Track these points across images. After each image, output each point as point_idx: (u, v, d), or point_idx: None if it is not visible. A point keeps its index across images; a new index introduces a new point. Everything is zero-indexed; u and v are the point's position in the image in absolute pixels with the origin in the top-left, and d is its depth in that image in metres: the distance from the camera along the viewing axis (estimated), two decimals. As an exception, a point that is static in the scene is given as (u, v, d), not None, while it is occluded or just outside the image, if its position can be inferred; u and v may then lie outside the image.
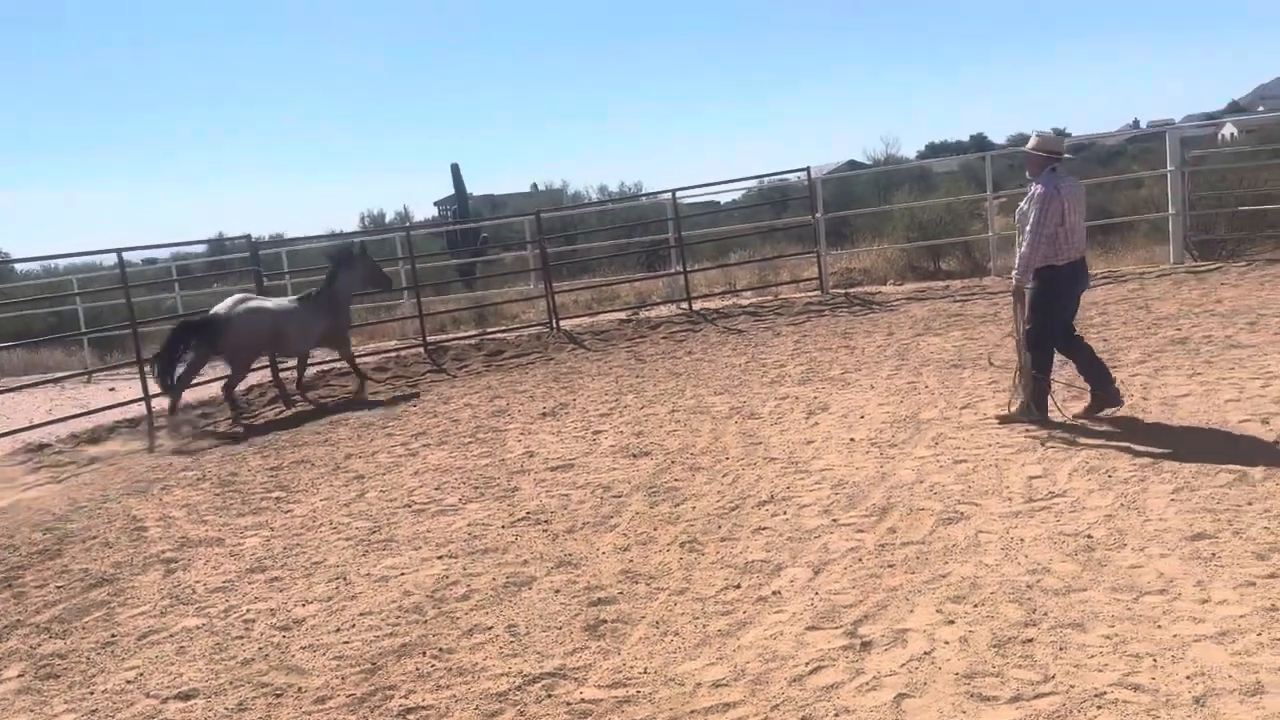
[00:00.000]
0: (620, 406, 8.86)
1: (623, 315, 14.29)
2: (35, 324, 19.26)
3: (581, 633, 4.31)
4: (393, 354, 13.17)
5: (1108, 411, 6.47)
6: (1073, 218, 6.27)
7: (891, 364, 9.10)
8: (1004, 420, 6.64)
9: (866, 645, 3.86)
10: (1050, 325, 6.44)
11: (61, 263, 20.17)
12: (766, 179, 19.66)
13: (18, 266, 30.43)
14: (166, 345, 10.02)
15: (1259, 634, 3.55)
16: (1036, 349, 6.47)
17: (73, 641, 4.94)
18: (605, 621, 4.39)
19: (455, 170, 27.21)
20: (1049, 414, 6.50)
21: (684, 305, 14.14)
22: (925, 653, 3.74)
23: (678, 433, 7.62)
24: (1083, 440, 6.07)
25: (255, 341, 10.43)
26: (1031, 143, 6.51)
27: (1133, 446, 5.82)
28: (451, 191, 28.20)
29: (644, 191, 27.96)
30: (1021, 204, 6.47)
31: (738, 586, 4.60)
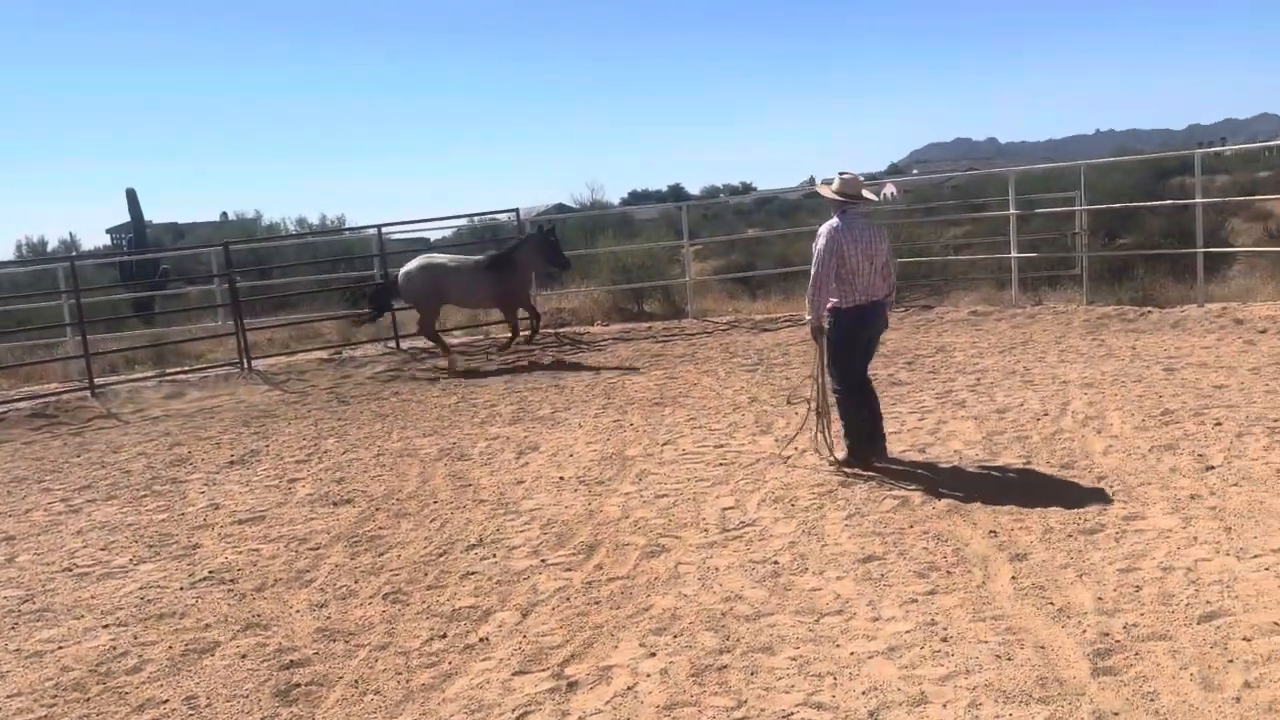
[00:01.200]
0: (320, 452, 8.44)
1: (324, 354, 13.67)
2: None
3: (271, 699, 4.03)
4: (52, 398, 11.78)
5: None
6: (857, 259, 6.19)
7: (599, 403, 9.33)
8: (784, 451, 6.85)
9: (573, 685, 3.89)
10: (845, 367, 6.40)
11: None
12: (477, 217, 19.67)
13: None
14: (371, 302, 13.06)
15: (921, 648, 3.94)
16: (838, 390, 6.45)
17: None
18: (298, 685, 4.13)
19: (131, 195, 24.96)
20: (849, 455, 6.40)
21: (391, 343, 13.76)
22: (629, 688, 3.82)
23: (383, 477, 7.37)
24: (770, 473, 6.50)
25: (425, 291, 12.29)
26: (829, 186, 6.44)
27: (812, 476, 6.31)
28: (127, 218, 25.85)
29: (347, 225, 27.03)
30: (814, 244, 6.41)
31: (444, 636, 4.49)
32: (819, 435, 6.60)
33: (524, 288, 12.64)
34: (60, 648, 4.73)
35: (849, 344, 6.39)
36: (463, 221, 20.91)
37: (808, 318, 6.49)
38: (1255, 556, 4.50)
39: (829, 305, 6.32)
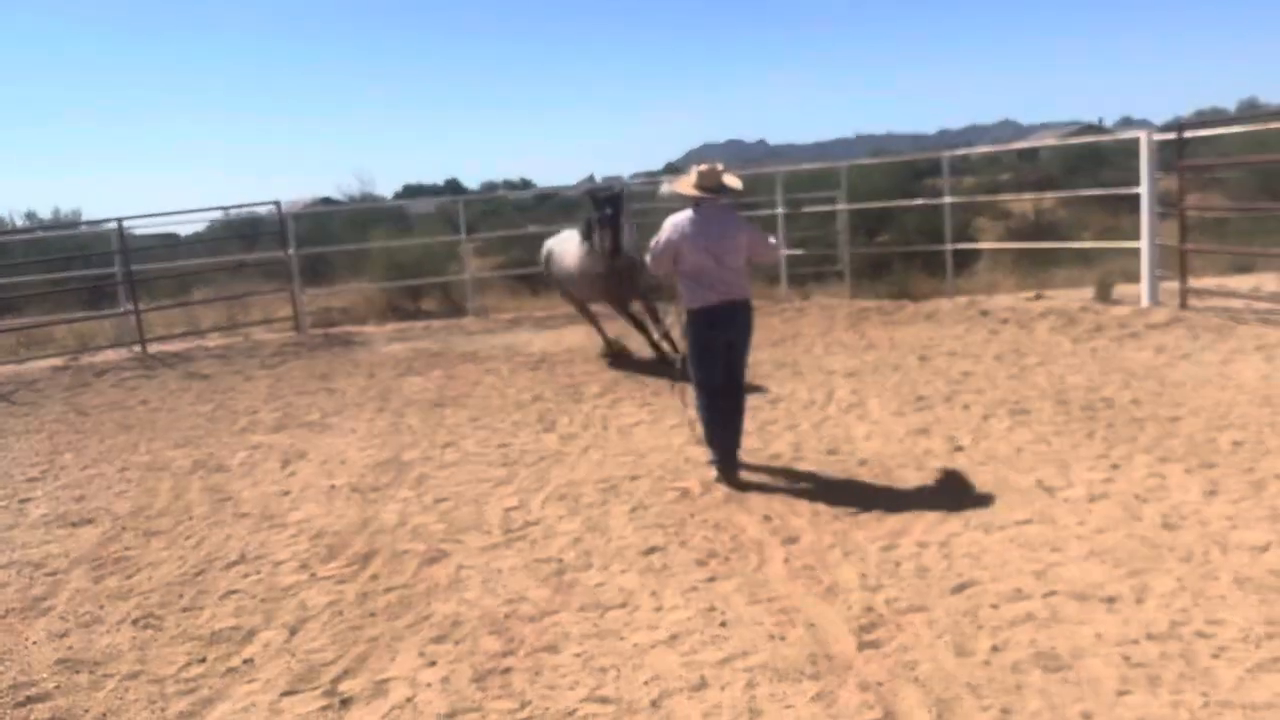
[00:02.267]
0: (56, 468, 7.75)
1: (59, 361, 12.54)
2: None
3: (2, 744, 3.67)
4: None
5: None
6: (699, 257, 5.83)
7: (374, 405, 9.07)
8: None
9: (346, 702, 3.78)
10: (699, 369, 6.04)
11: None
12: (233, 210, 18.64)
13: None
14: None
15: (701, 633, 4.09)
16: (693, 386, 6.16)
17: None
18: (40, 718, 3.78)
19: None
20: (712, 458, 6.09)
21: (137, 348, 12.81)
22: (407, 699, 3.75)
23: (129, 494, 6.86)
24: (555, 472, 6.54)
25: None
26: (686, 181, 6.03)
27: (596, 472, 6.41)
28: None
29: (84, 219, 24.91)
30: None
31: (203, 660, 4.24)
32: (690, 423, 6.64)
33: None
34: None
35: (700, 346, 5.99)
36: (216, 215, 19.74)
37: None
38: (1000, 529, 4.96)
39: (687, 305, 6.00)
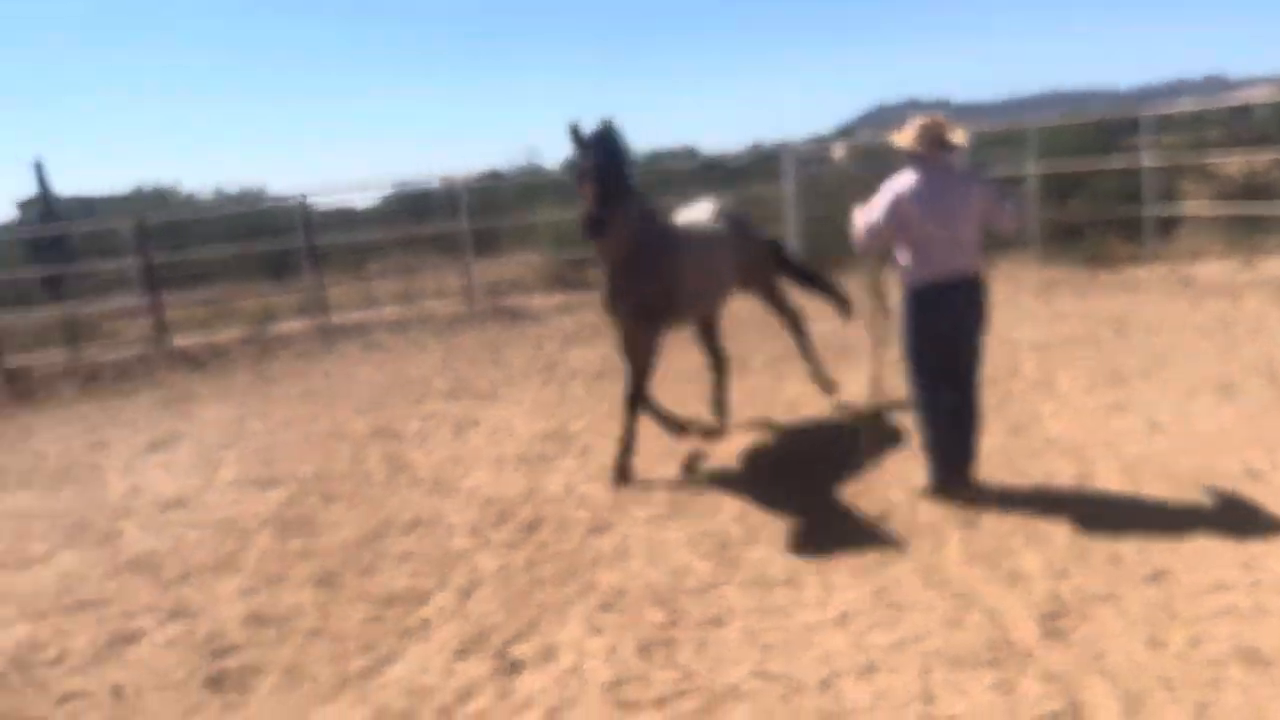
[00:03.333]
0: (244, 433, 8.34)
1: (247, 331, 13.46)
2: None
3: (201, 688, 4.00)
4: (-45, 382, 11.45)
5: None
6: (927, 225, 4.96)
7: (540, 377, 9.33)
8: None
9: (516, 666, 3.93)
10: (919, 362, 5.20)
11: None
12: (408, 186, 19.43)
13: None
14: None
15: (871, 615, 4.04)
16: (909, 379, 5.31)
17: None
18: (229, 673, 4.11)
19: (39, 168, 24.27)
20: (930, 481, 5.28)
21: (319, 320, 13.59)
22: (574, 666, 3.87)
23: (312, 459, 7.31)
24: (719, 446, 6.56)
25: None
26: (907, 133, 5.13)
27: (758, 448, 6.39)
28: (36, 191, 25.13)
29: (270, 195, 26.55)
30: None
31: (380, 620, 4.49)
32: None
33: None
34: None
35: (922, 332, 5.13)
36: (391, 189, 20.61)
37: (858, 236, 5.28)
38: (1201, 515, 4.67)
39: (903, 270, 5.13)
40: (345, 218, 19.99)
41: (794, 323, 7.34)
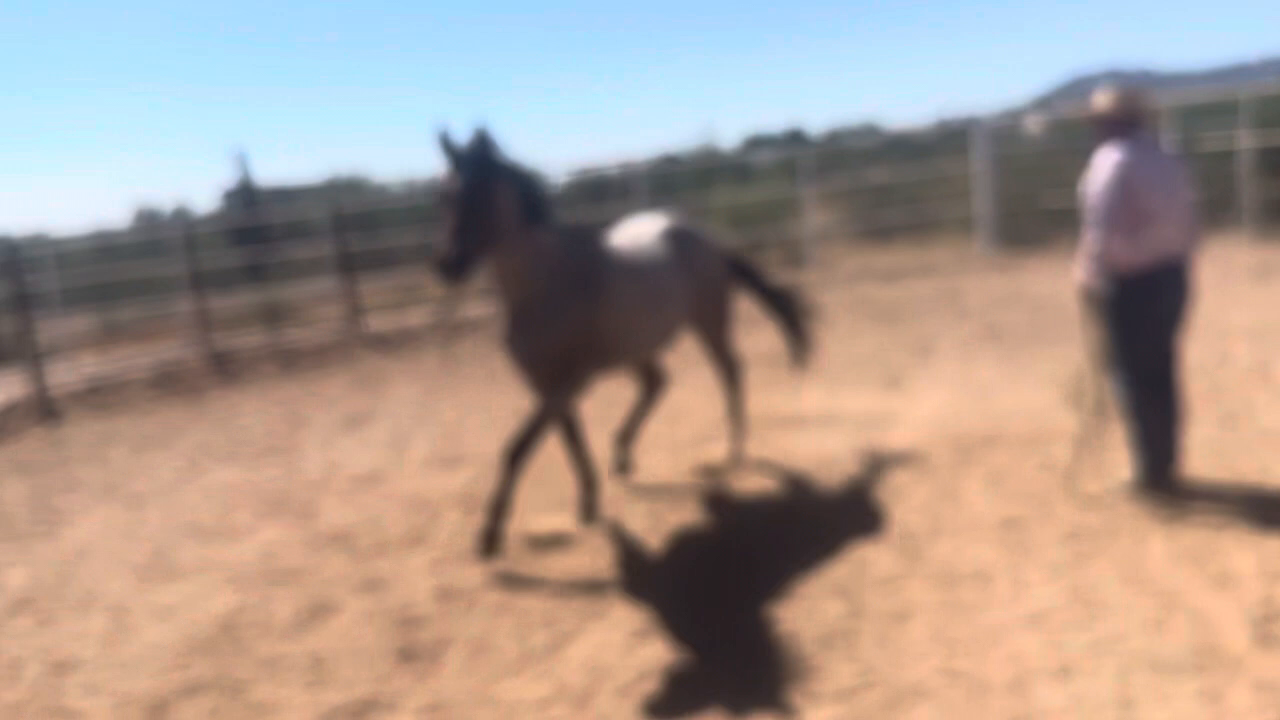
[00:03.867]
0: (433, 413, 8.73)
1: (433, 316, 14.06)
2: None
3: (394, 657, 4.23)
4: (172, 360, 12.47)
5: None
6: (1156, 200, 4.61)
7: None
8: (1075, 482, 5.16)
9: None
10: (1133, 350, 4.83)
11: None
12: (585, 171, 19.80)
13: None
14: None
15: (1065, 614, 3.88)
16: (1125, 384, 4.91)
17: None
18: (419, 644, 4.32)
19: (241, 159, 26.04)
20: (1142, 475, 4.91)
21: (499, 303, 14.02)
22: (752, 653, 3.88)
23: (497, 439, 7.56)
24: (897, 434, 6.42)
25: None
26: (1100, 103, 4.83)
27: (944, 436, 6.22)
28: (239, 181, 26.98)
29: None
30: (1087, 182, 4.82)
31: (561, 598, 4.63)
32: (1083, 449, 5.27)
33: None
34: (191, 604, 5.06)
35: (1134, 325, 4.79)
36: (566, 176, 21.04)
37: (1083, 277, 4.91)
38: None
39: (1109, 261, 4.73)
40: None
41: (732, 375, 6.20)
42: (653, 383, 6.24)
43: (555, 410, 5.03)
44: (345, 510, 6.29)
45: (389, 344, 12.47)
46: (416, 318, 13.81)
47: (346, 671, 4.16)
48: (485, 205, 4.45)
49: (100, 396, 11.22)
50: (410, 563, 5.29)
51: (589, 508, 5.51)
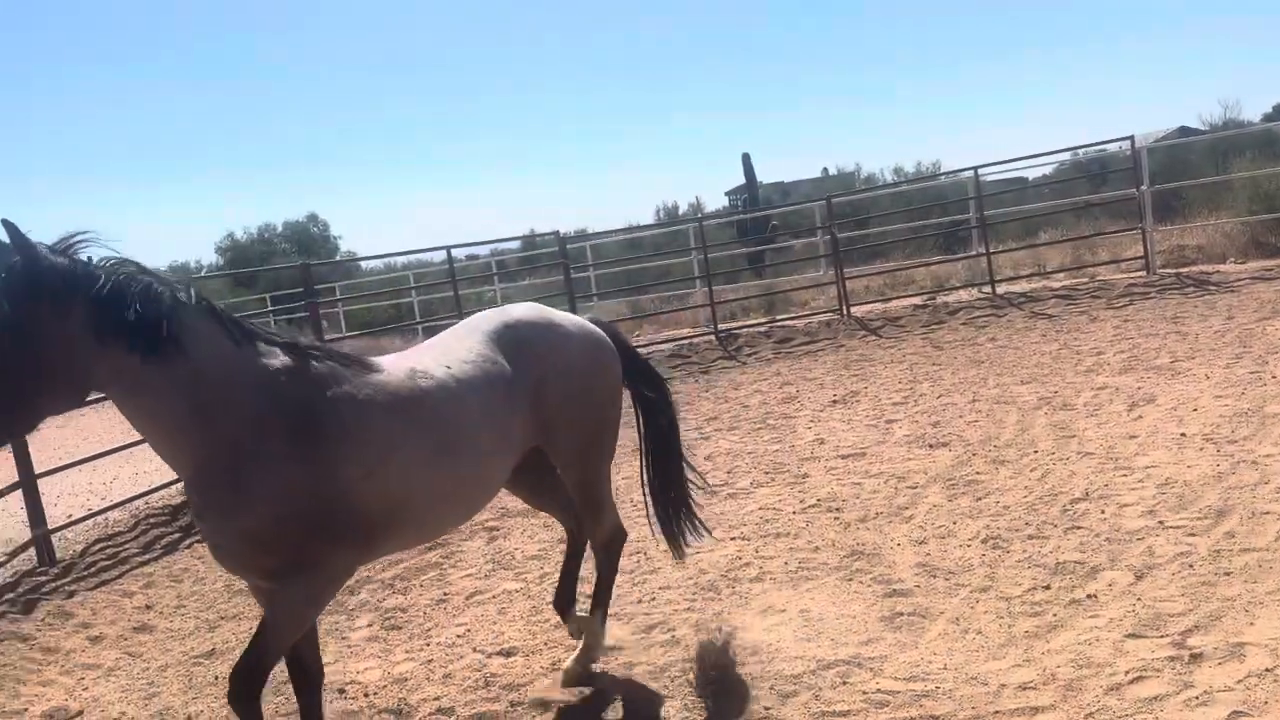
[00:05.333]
0: (915, 395, 8.63)
1: (918, 300, 13.87)
2: (378, 315, 21.77)
3: (877, 623, 4.28)
4: (685, 341, 13.58)
5: None
6: None
7: (1231, 351, 8.22)
8: None
9: (1196, 657, 3.56)
10: None
11: (399, 259, 22.53)
12: (1082, 151, 18.31)
13: (363, 264, 34.54)
14: None
15: None
16: None
17: (412, 597, 5.55)
18: (901, 614, 4.32)
19: (746, 159, 27.51)
20: None
21: (986, 289, 13.49)
22: (1267, 669, 3.39)
23: (979, 423, 7.32)
24: None
25: None
26: None
27: None
28: (742, 181, 28.58)
29: (942, 170, 26.90)
30: None
31: (1047, 587, 4.37)
32: None
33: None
34: (697, 552, 5.49)
35: None
36: (1065, 156, 19.55)
37: None
38: None
39: None
40: (1016, 187, 19.46)
41: (598, 536, 4.29)
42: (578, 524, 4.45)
43: (288, 623, 3.24)
44: (832, 481, 6.46)
45: (874, 328, 12.52)
46: (900, 303, 13.70)
47: (832, 629, 4.28)
48: (8, 354, 2.77)
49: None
50: (893, 535, 5.30)
51: None
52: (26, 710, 4.79)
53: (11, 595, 6.44)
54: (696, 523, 4.50)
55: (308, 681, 3.50)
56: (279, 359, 3.19)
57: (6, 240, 2.72)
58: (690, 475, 4.51)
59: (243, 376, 3.10)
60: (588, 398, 3.97)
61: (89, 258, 2.94)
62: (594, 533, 4.25)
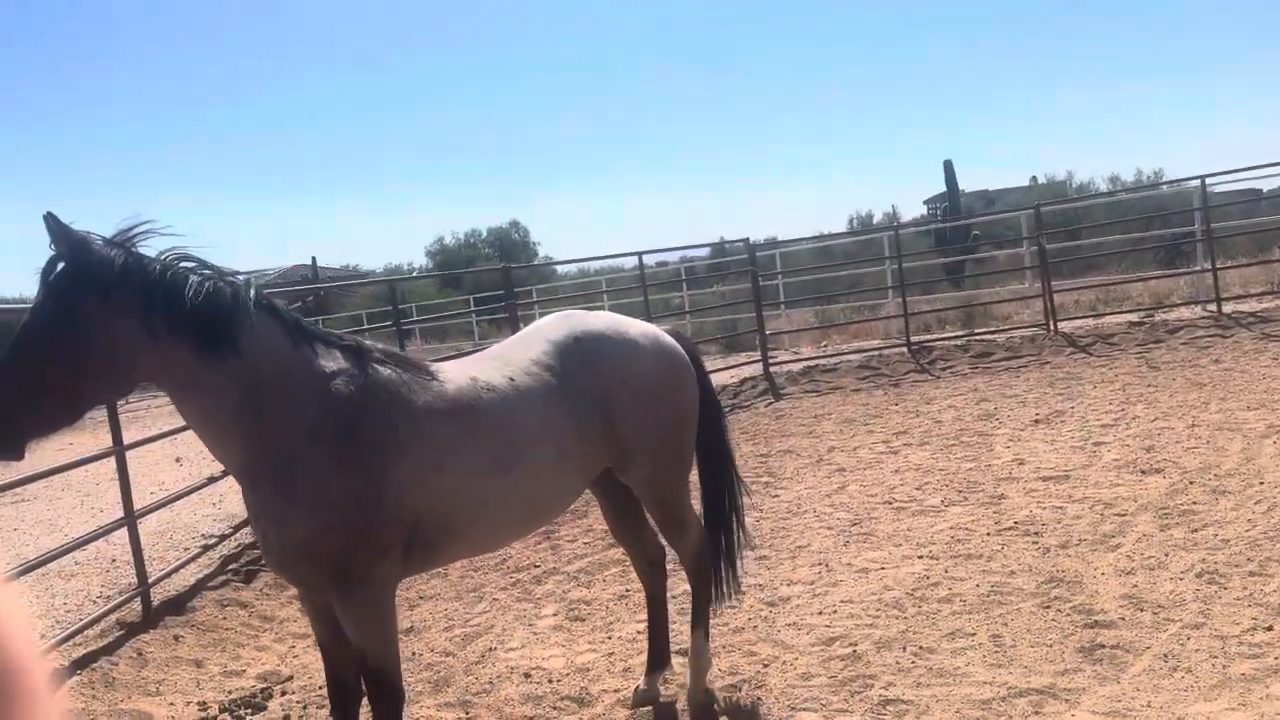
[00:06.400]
0: (1127, 417, 8.12)
1: (1134, 317, 13.02)
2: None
3: (1075, 654, 4.06)
4: (875, 352, 13.28)
5: None
6: None
7: None
8: None
9: None
10: None
11: (593, 264, 23.26)
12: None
13: (559, 268, 35.84)
14: None
15: None
16: None
17: (595, 591, 5.71)
18: (1102, 646, 4.09)
19: (948, 166, 26.65)
20: None
21: (1211, 307, 12.52)
22: None
23: (1198, 450, 6.81)
24: None
25: None
26: None
27: None
28: (942, 189, 27.70)
29: (1165, 179, 25.16)
30: None
31: (1269, 629, 4.03)
32: None
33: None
34: (882, 568, 5.39)
35: None
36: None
37: None
38: None
39: None
40: (1249, 199, 17.97)
41: (688, 558, 4.07)
42: (651, 561, 4.25)
43: (367, 636, 3.13)
44: (1032, 504, 6.17)
45: (1082, 345, 11.85)
46: (1114, 319, 12.91)
47: (1026, 657, 4.09)
48: (53, 344, 2.74)
49: (812, 378, 12.41)
50: (1096, 564, 5.01)
51: None
52: (245, 671, 5.22)
53: (235, 565, 7.03)
54: (736, 572, 4.28)
55: (344, 697, 3.34)
56: (337, 361, 3.09)
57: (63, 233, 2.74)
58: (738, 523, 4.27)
59: (297, 377, 3.00)
60: (658, 413, 3.71)
61: (145, 251, 2.89)
62: (680, 550, 4.04)
